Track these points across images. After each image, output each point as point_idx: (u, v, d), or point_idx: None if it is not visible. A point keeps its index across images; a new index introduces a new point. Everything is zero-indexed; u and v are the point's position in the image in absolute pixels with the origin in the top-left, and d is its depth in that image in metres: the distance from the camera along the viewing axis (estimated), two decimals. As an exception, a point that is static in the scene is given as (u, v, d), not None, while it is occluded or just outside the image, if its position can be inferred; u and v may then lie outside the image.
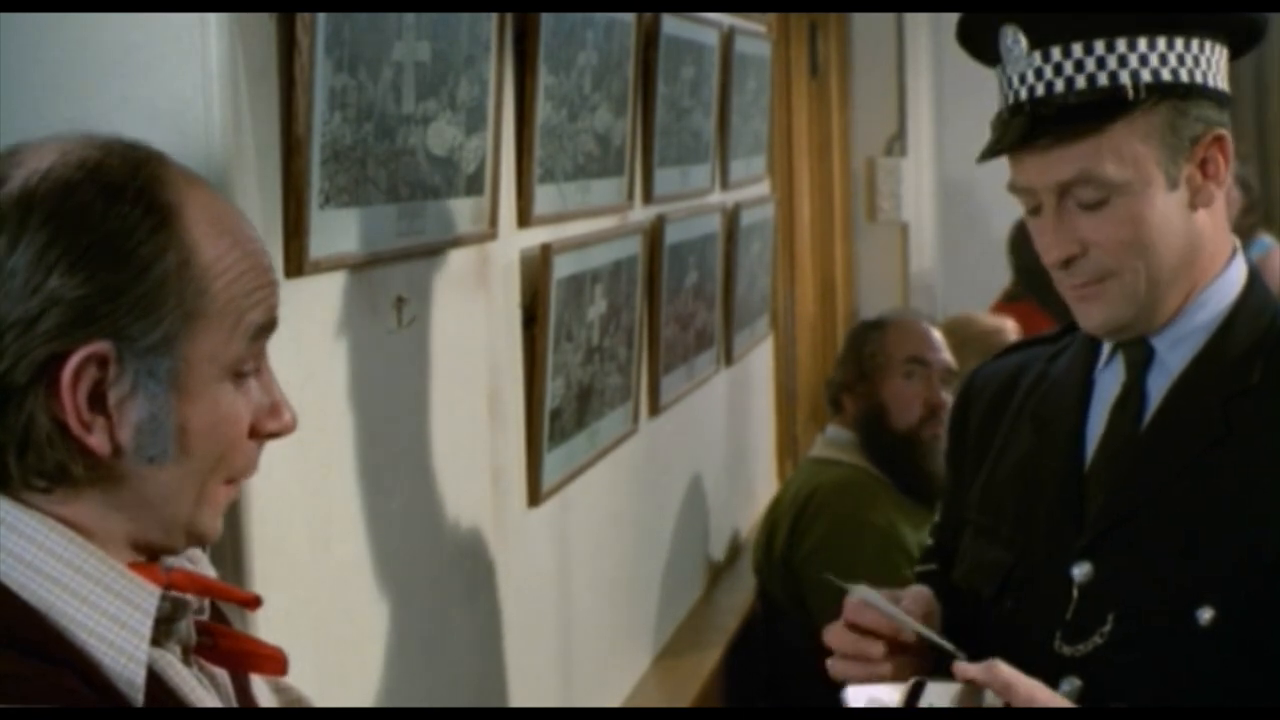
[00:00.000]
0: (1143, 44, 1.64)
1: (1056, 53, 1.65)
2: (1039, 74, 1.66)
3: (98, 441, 1.10)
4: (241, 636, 1.27)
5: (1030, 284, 4.41)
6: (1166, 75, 1.65)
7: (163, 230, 1.11)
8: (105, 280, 1.08)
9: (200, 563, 1.26)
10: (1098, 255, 1.67)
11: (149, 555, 1.17)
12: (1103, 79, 1.64)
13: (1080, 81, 1.64)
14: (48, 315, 1.08)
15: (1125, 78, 1.63)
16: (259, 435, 1.19)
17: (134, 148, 1.14)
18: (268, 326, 1.18)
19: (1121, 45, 1.64)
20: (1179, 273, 1.69)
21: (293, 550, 1.70)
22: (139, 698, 1.10)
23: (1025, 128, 1.67)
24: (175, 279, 1.11)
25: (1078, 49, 1.64)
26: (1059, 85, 1.65)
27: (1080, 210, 1.66)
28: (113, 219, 1.09)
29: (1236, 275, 1.74)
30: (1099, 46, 1.64)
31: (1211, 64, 1.68)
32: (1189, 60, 1.66)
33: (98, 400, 1.10)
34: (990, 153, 1.71)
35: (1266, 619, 1.60)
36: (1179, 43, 1.65)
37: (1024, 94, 1.67)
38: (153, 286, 1.10)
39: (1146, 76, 1.64)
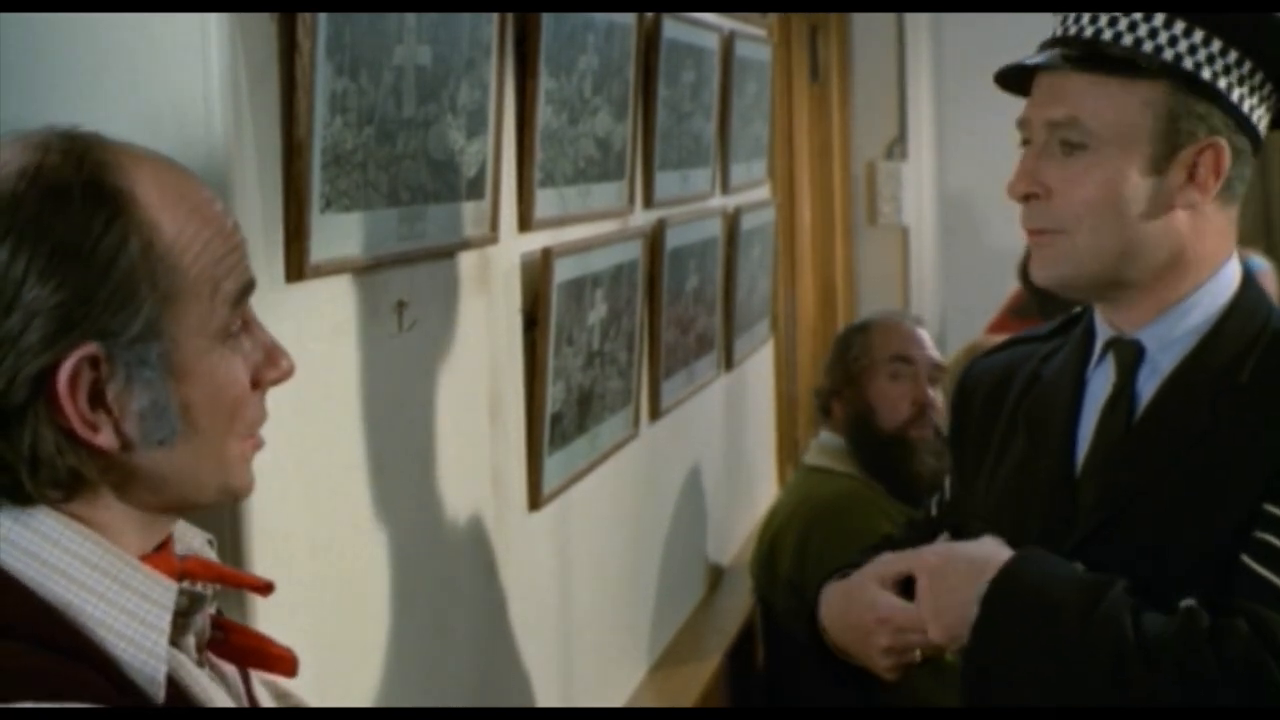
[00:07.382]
0: (1179, 27, 1.69)
1: (1107, 10, 1.72)
2: (1092, 20, 1.73)
3: (105, 439, 1.10)
4: (253, 633, 1.27)
5: (1039, 304, 4.40)
6: (1188, 64, 1.69)
7: (118, 219, 1.10)
8: (76, 284, 1.08)
9: (205, 554, 1.26)
10: (1055, 204, 1.73)
11: (179, 512, 1.18)
12: (1128, 39, 1.70)
13: (1107, 34, 1.71)
14: (30, 329, 1.07)
15: (1148, 47, 1.69)
16: (261, 386, 1.20)
17: (70, 138, 1.12)
18: (247, 289, 1.17)
19: (1158, 20, 1.69)
20: (1138, 258, 1.72)
21: (294, 553, 1.70)
22: (160, 694, 1.09)
23: (1045, 55, 1.74)
24: (143, 264, 1.10)
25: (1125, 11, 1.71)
26: (1091, 32, 1.72)
27: (1059, 155, 1.72)
28: (66, 221, 1.08)
29: (1229, 279, 1.76)
30: (1138, 14, 1.70)
31: (1246, 86, 1.71)
32: (1218, 64, 1.68)
33: (97, 398, 1.10)
34: (1006, 67, 1.78)
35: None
36: (1216, 43, 1.68)
37: (1070, 31, 1.74)
38: (123, 278, 1.09)
39: (1168, 56, 1.69)
